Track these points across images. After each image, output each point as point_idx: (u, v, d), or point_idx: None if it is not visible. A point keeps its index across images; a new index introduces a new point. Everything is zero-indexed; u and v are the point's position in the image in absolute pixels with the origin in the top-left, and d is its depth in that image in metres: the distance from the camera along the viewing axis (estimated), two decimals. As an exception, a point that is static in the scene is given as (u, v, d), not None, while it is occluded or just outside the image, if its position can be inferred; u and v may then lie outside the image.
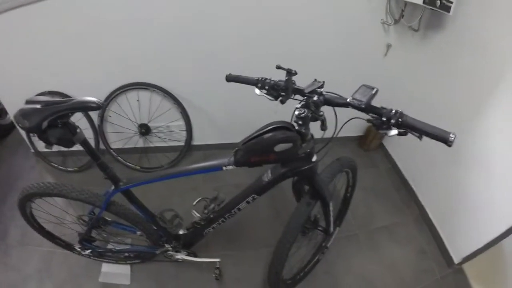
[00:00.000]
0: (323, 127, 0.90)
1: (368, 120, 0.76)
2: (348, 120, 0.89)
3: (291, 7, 1.65)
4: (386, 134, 0.74)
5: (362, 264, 1.62)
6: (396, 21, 1.73)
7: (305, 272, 1.48)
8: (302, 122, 0.87)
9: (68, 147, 0.92)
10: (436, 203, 1.78)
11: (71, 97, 0.86)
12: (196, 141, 2.20)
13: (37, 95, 1.88)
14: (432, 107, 1.71)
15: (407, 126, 0.72)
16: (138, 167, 2.08)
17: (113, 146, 2.09)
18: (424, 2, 1.47)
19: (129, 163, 2.08)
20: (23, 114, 0.84)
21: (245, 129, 2.18)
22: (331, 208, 1.22)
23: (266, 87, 0.95)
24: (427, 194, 1.86)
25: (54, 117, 0.84)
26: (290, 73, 0.87)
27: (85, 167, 2.07)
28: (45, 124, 0.85)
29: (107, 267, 1.55)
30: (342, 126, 0.93)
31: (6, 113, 2.26)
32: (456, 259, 1.57)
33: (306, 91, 0.88)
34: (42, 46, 1.68)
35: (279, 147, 0.87)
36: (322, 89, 0.89)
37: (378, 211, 1.90)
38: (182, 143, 2.11)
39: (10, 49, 1.70)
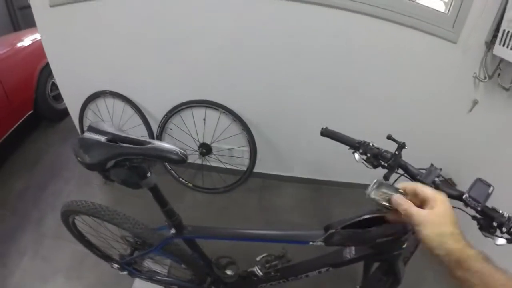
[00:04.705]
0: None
1: (473, 218, 0.65)
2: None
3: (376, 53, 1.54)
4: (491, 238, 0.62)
5: None
6: (490, 77, 1.53)
7: None
8: None
9: (133, 189, 0.73)
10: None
11: (145, 142, 0.65)
12: (255, 168, 1.98)
13: (97, 92, 1.77)
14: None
15: None
16: (190, 185, 1.91)
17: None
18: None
19: (182, 178, 1.92)
20: (83, 146, 0.64)
21: (311, 167, 2.01)
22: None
23: (368, 154, 0.80)
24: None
25: (122, 158, 0.64)
26: (402, 147, 0.76)
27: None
28: (110, 163, 0.65)
29: (139, 284, 1.42)
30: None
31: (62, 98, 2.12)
32: None
33: (426, 181, 0.69)
34: (109, 45, 1.59)
35: (381, 239, 0.79)
36: (438, 178, 0.72)
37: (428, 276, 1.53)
38: (241, 168, 1.92)
39: (79, 40, 1.60)
